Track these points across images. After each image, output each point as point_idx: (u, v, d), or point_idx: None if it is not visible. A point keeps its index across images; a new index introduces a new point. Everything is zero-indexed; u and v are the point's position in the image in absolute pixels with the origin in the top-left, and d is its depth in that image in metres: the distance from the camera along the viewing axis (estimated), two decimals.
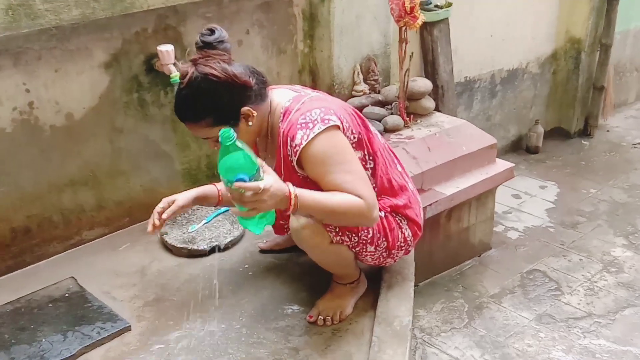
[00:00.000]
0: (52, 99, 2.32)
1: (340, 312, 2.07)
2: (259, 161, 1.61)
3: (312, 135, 1.76)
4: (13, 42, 2.16)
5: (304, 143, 1.76)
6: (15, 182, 2.32)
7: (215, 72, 1.76)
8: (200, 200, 2.07)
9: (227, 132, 1.52)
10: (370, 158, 1.97)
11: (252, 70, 1.86)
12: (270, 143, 1.97)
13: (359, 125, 1.94)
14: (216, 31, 1.83)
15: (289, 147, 1.81)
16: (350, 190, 1.76)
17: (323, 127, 1.77)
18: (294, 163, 1.82)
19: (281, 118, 1.87)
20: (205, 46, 1.82)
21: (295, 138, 1.78)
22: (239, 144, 1.55)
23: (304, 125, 1.78)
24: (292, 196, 1.66)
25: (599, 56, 4.44)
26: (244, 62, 2.77)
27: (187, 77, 1.78)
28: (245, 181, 1.55)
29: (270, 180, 1.60)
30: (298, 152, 1.78)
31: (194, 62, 1.79)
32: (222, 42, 1.83)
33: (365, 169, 1.94)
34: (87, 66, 2.37)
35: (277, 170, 1.92)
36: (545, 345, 2.65)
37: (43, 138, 2.34)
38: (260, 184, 1.56)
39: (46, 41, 2.24)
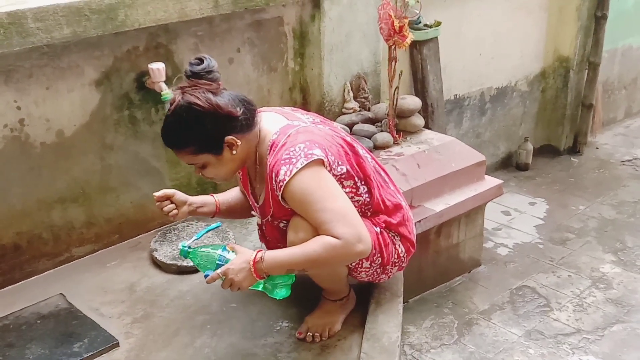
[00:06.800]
0: (42, 116, 2.34)
1: (329, 328, 2.07)
2: (227, 247, 1.85)
3: (295, 171, 1.77)
4: (4, 60, 2.17)
5: (287, 179, 1.77)
6: (4, 198, 2.32)
7: (198, 102, 1.78)
8: (198, 207, 2.12)
9: (181, 251, 1.87)
10: (363, 183, 1.96)
11: (240, 99, 1.87)
12: (260, 171, 1.97)
13: (348, 153, 1.94)
14: (205, 60, 1.84)
15: (274, 182, 1.82)
16: (327, 231, 1.76)
17: (306, 162, 1.77)
18: (280, 198, 1.83)
19: (268, 151, 1.87)
20: (194, 75, 1.83)
21: (279, 174, 1.79)
22: (201, 249, 1.86)
23: (287, 160, 1.79)
24: (256, 261, 1.79)
25: (587, 74, 4.48)
26: (236, 80, 2.80)
27: (174, 104, 1.80)
28: (209, 275, 1.81)
29: (232, 260, 1.81)
30: (282, 188, 1.79)
31: (182, 91, 1.81)
32: (210, 71, 1.84)
33: (359, 195, 1.95)
34: (78, 84, 2.39)
35: (266, 203, 1.95)
36: None
37: (33, 155, 2.35)
38: (219, 270, 1.80)
39: (37, 59, 2.26)
